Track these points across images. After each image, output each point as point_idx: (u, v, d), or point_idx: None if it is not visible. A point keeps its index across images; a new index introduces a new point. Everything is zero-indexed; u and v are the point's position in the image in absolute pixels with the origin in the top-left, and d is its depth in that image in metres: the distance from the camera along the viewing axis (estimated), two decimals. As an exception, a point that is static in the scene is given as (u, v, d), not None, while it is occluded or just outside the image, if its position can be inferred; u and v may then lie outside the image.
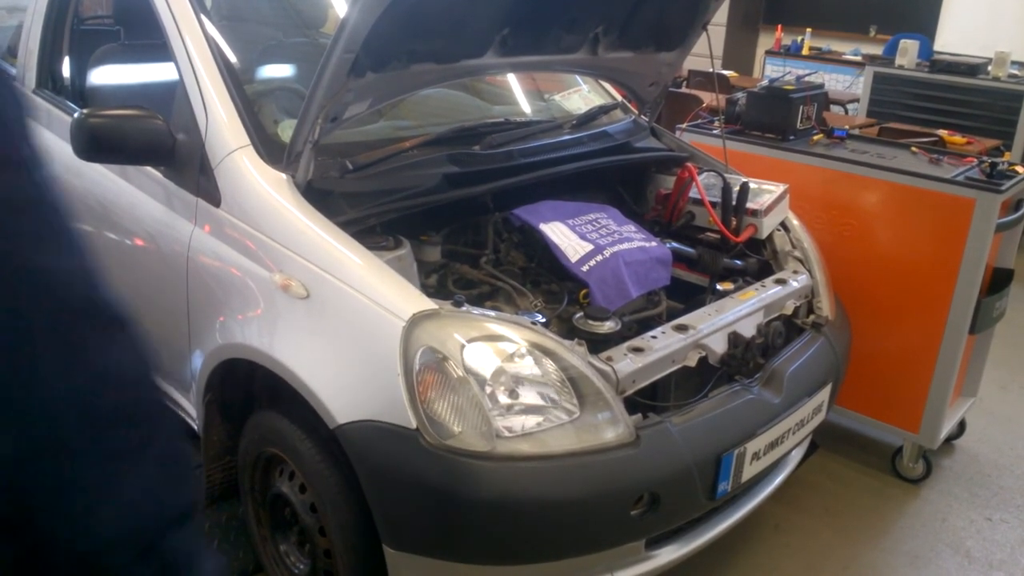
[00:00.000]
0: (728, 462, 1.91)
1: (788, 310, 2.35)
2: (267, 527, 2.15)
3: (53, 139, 2.40)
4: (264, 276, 1.89)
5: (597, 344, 1.91)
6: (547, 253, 2.14)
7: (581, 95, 2.94)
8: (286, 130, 2.10)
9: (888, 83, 5.68)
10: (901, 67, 5.65)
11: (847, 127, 3.30)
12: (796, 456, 2.41)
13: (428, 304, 1.73)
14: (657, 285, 2.23)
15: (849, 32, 7.86)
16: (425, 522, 1.70)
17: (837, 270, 2.60)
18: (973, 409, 3.14)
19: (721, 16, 7.59)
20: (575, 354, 1.78)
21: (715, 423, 1.93)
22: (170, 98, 2.15)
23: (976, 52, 5.94)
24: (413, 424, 1.65)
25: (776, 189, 2.57)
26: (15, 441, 0.48)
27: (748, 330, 2.17)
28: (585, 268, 2.08)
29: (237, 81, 2.11)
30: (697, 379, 2.06)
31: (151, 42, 2.30)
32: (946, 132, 4.25)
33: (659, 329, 2.03)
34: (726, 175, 2.57)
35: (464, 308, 1.77)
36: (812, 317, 2.43)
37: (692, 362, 2.01)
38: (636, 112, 2.89)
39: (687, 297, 2.35)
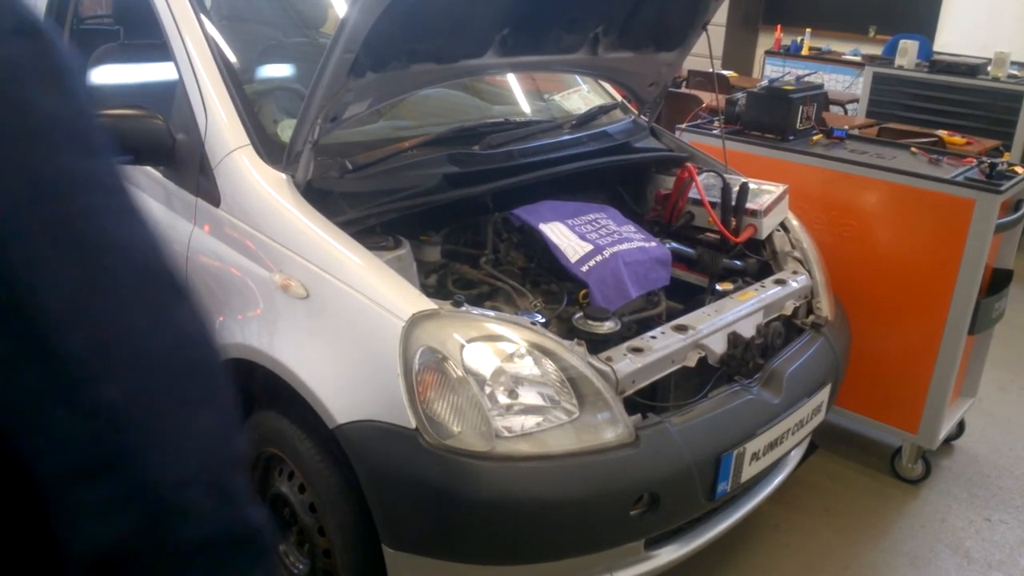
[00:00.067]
0: (728, 462, 1.92)
1: (788, 310, 2.35)
2: (266, 527, 2.14)
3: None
4: (264, 276, 1.89)
5: (597, 344, 1.91)
6: (547, 253, 2.15)
7: (581, 95, 2.94)
8: (286, 130, 2.10)
9: (888, 83, 5.68)
10: (901, 67, 5.65)
11: (847, 127, 3.30)
12: (795, 456, 2.41)
13: (428, 304, 1.73)
14: (657, 285, 2.23)
15: (849, 32, 7.86)
16: (424, 522, 1.70)
17: (836, 270, 2.60)
18: (972, 410, 3.14)
19: (721, 16, 7.60)
20: (575, 354, 1.78)
21: (715, 423, 1.93)
22: (170, 98, 2.15)
23: (975, 52, 5.94)
24: (413, 424, 1.65)
25: (776, 189, 2.57)
26: (120, 388, 0.57)
27: (748, 330, 2.17)
28: (585, 268, 2.08)
29: (237, 81, 2.11)
30: (697, 379, 2.06)
31: (151, 42, 2.30)
32: (945, 132, 4.25)
33: (659, 329, 2.03)
34: (726, 175, 2.57)
35: (464, 308, 1.77)
36: (812, 317, 2.43)
37: (692, 362, 2.01)
38: (636, 112, 2.89)
39: (687, 297, 2.35)
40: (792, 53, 7.79)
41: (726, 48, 7.77)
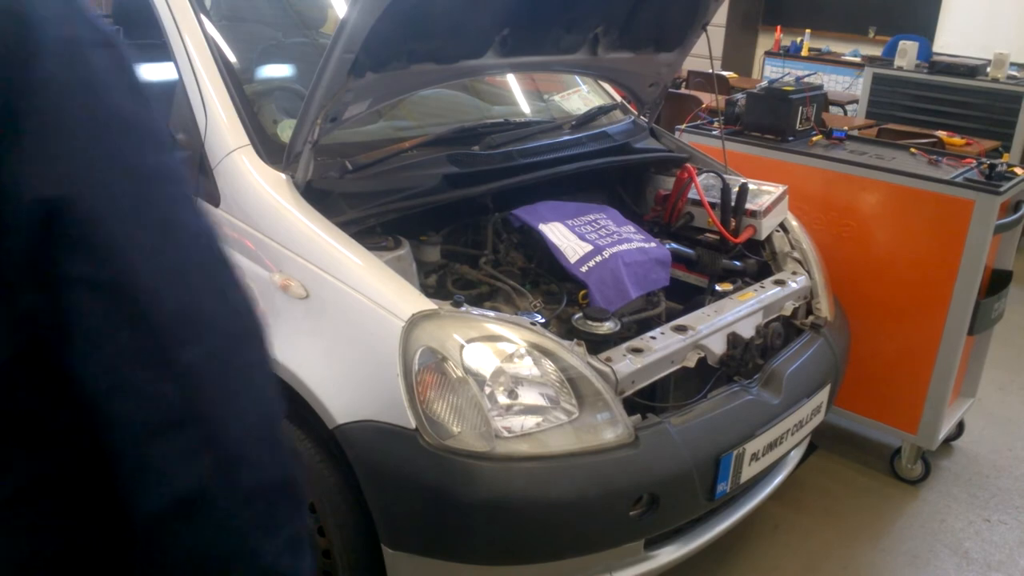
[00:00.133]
0: (727, 463, 1.92)
1: (787, 311, 2.35)
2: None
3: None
4: (263, 276, 1.89)
5: (596, 345, 1.91)
6: (546, 254, 2.15)
7: (581, 96, 2.94)
8: (285, 130, 2.10)
9: (887, 84, 5.68)
10: (900, 68, 5.66)
11: (846, 128, 3.30)
12: (795, 457, 2.41)
13: (427, 304, 1.73)
14: (656, 286, 2.23)
15: (848, 33, 7.87)
16: (424, 522, 1.70)
17: (836, 271, 2.60)
18: (972, 410, 3.14)
19: (720, 17, 7.60)
20: (574, 355, 1.78)
21: (714, 424, 1.93)
22: (169, 98, 2.15)
23: (975, 53, 5.94)
24: (412, 424, 1.65)
25: (775, 190, 2.57)
26: (199, 352, 0.67)
27: (747, 331, 2.17)
28: (584, 269, 2.08)
29: (236, 81, 2.11)
30: (696, 380, 2.06)
31: (151, 42, 2.30)
32: (945, 133, 4.26)
33: (658, 330, 2.03)
34: (725, 176, 2.57)
35: (463, 308, 1.77)
36: (811, 318, 2.43)
37: (691, 363, 2.01)
38: (636, 113, 2.89)
39: (686, 298, 2.35)
40: (792, 54, 7.80)
41: (726, 49, 7.78)
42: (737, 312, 2.17)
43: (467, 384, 1.67)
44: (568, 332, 1.96)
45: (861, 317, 2.72)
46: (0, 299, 0.63)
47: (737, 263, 2.50)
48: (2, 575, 0.69)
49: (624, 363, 1.86)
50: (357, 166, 2.03)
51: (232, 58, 2.18)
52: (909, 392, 2.79)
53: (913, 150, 3.01)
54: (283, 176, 1.94)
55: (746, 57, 8.39)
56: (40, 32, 0.62)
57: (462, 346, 1.69)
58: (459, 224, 2.29)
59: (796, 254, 2.53)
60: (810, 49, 7.78)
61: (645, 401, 1.92)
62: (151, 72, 2.45)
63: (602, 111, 2.78)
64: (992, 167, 2.66)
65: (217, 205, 2.00)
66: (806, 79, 3.50)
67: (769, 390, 2.09)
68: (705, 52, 2.68)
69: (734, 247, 2.50)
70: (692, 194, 2.55)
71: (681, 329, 2.04)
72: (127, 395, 0.65)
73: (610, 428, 1.75)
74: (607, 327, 1.95)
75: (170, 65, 2.16)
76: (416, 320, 1.69)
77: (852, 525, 2.69)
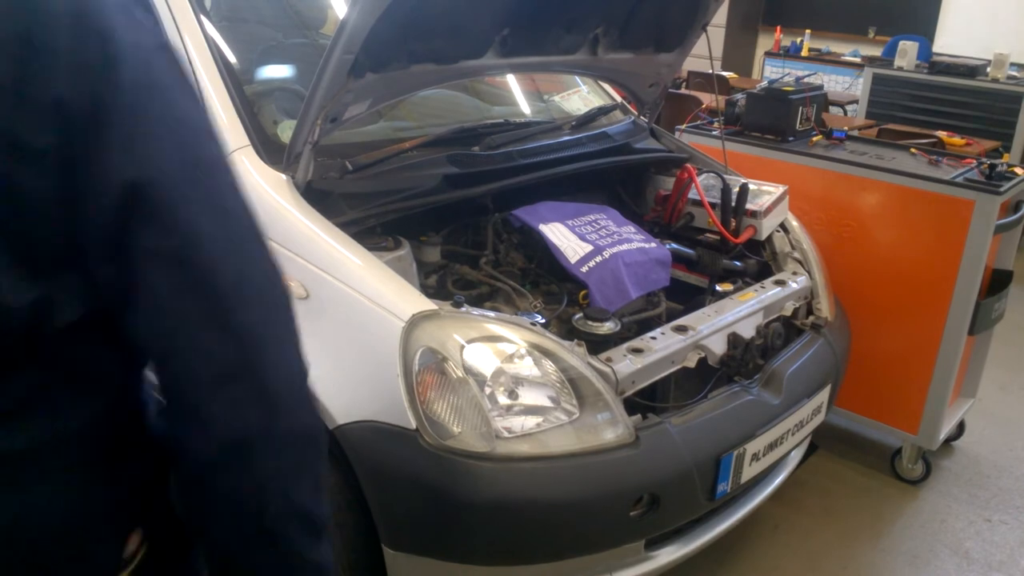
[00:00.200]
0: (728, 463, 1.92)
1: (787, 311, 2.35)
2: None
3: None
4: (264, 276, 1.89)
5: (597, 345, 1.91)
6: (547, 254, 2.14)
7: (581, 96, 2.94)
8: (285, 131, 2.10)
9: (887, 84, 5.68)
10: (900, 68, 5.66)
11: (846, 128, 3.30)
12: (795, 457, 2.41)
13: (428, 305, 1.73)
14: (656, 286, 2.23)
15: (848, 33, 7.87)
16: (424, 522, 1.70)
17: (836, 271, 2.60)
18: (972, 410, 3.14)
19: (720, 17, 7.60)
20: (575, 355, 1.78)
21: (715, 424, 1.93)
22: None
23: (975, 54, 5.94)
24: (413, 425, 1.65)
25: (775, 190, 2.57)
26: (251, 314, 0.77)
27: (747, 331, 2.17)
28: (584, 269, 2.08)
29: (236, 82, 2.11)
30: (697, 380, 2.06)
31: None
32: (945, 133, 4.26)
33: (659, 330, 2.03)
34: (725, 176, 2.57)
35: (464, 309, 1.77)
36: (811, 318, 2.43)
37: (692, 363, 2.01)
38: (636, 113, 2.89)
39: (686, 298, 2.35)
40: (792, 54, 7.80)
41: (726, 49, 7.77)
42: (737, 312, 2.17)
43: (467, 384, 1.67)
44: (568, 332, 1.96)
45: (862, 317, 2.71)
46: (77, 268, 0.74)
47: (737, 263, 2.50)
48: (53, 512, 0.78)
49: (624, 363, 1.86)
50: (357, 166, 2.03)
51: (232, 59, 2.18)
52: (910, 392, 2.79)
53: (913, 150, 3.01)
54: (283, 177, 1.94)
55: (746, 57, 8.39)
56: (118, 40, 0.72)
57: (462, 346, 1.69)
58: (459, 224, 2.29)
59: (796, 254, 2.53)
60: (810, 49, 7.78)
61: (645, 401, 1.92)
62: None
63: (602, 111, 2.78)
64: (992, 167, 2.66)
65: (217, 206, 2.00)
66: (806, 79, 3.50)
67: (769, 390, 2.09)
68: (705, 52, 2.68)
69: (734, 247, 2.50)
70: (692, 194, 2.55)
71: (681, 329, 2.04)
72: (192, 353, 0.76)
73: (610, 428, 1.75)
74: (607, 327, 1.95)
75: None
76: (416, 320, 1.69)
77: (852, 525, 2.69)
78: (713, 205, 2.50)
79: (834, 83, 7.32)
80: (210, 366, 0.76)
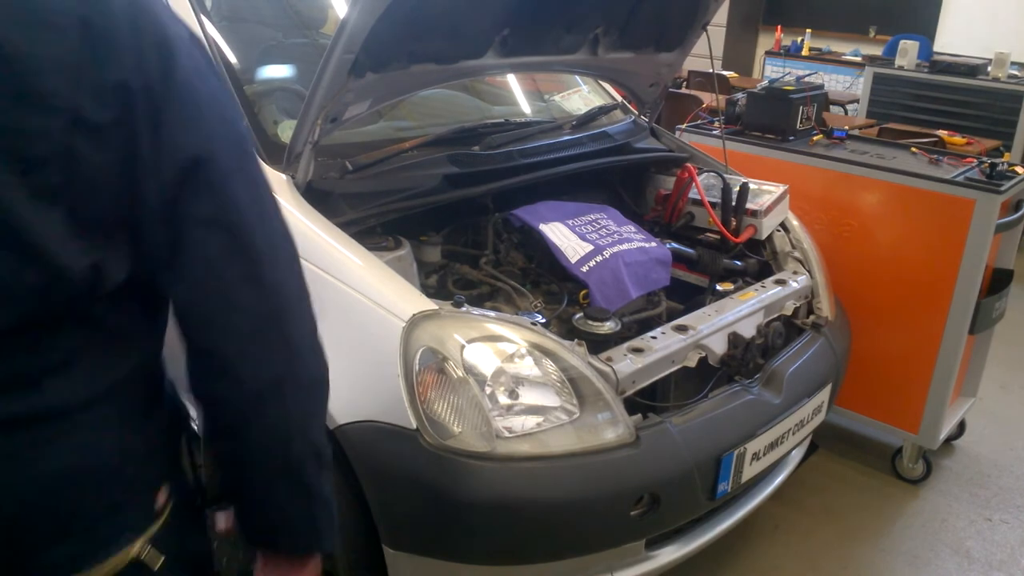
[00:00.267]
0: (728, 462, 1.92)
1: (788, 310, 2.35)
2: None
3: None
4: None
5: (597, 344, 1.91)
6: (547, 254, 2.14)
7: (581, 96, 2.94)
8: (286, 131, 2.10)
9: (888, 84, 5.68)
10: (901, 68, 5.65)
11: (847, 128, 3.30)
12: (796, 456, 2.41)
13: (428, 304, 1.73)
14: (657, 286, 2.23)
15: (849, 33, 7.86)
16: (425, 522, 1.70)
17: (837, 271, 2.60)
18: (973, 409, 3.14)
19: (721, 17, 7.60)
20: (575, 354, 1.78)
21: (715, 423, 1.93)
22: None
23: (976, 53, 5.94)
24: (413, 424, 1.65)
25: (776, 190, 2.57)
26: (278, 271, 0.89)
27: (748, 331, 2.17)
28: (585, 269, 2.08)
29: (237, 81, 2.11)
30: (697, 380, 2.06)
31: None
32: (946, 133, 4.25)
33: (659, 330, 2.03)
34: (726, 176, 2.57)
35: (464, 308, 1.77)
36: (812, 317, 2.43)
37: (692, 363, 2.01)
38: (636, 113, 2.89)
39: (687, 298, 2.35)
40: (792, 53, 7.79)
41: (726, 49, 7.77)
42: (738, 312, 2.17)
43: (468, 384, 1.67)
44: (569, 332, 1.96)
45: (862, 316, 2.71)
46: (127, 235, 0.82)
47: (738, 263, 2.50)
48: (99, 459, 0.87)
49: (625, 363, 1.86)
50: (357, 166, 2.03)
51: (232, 58, 2.18)
52: (910, 391, 2.79)
53: (914, 149, 3.01)
54: (283, 177, 1.94)
55: (746, 57, 8.39)
56: (169, 30, 0.81)
57: (463, 346, 1.69)
58: (459, 224, 2.29)
59: (797, 254, 2.53)
60: (811, 49, 7.77)
61: (646, 401, 1.92)
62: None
63: (602, 111, 2.78)
64: (993, 166, 2.66)
65: (217, 206, 2.00)
66: (807, 79, 3.50)
67: (770, 390, 2.09)
68: (705, 52, 2.68)
69: (735, 247, 2.50)
70: (693, 194, 2.55)
71: (682, 329, 2.04)
72: (236, 309, 0.86)
73: (611, 428, 1.75)
74: (608, 327, 1.95)
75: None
76: (417, 320, 1.69)
77: (852, 525, 2.68)
78: (713, 204, 2.50)
79: (835, 82, 7.32)
80: (251, 320, 0.87)
